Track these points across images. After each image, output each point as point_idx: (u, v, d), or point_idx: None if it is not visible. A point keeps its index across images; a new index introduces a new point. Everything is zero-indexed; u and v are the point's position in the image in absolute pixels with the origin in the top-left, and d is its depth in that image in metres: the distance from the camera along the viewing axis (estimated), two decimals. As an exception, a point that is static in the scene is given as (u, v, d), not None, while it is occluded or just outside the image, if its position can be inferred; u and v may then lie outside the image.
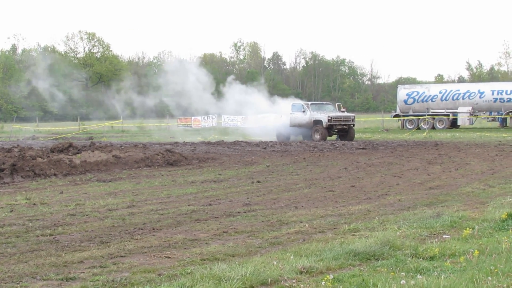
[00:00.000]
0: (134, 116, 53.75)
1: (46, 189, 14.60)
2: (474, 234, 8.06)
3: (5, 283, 6.35)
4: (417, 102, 48.44)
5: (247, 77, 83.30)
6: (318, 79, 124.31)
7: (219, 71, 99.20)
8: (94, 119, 59.12)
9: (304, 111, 35.27)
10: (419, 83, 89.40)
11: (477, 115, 46.98)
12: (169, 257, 7.44)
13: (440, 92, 48.11)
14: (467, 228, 8.21)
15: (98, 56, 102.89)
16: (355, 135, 36.51)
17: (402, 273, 6.17)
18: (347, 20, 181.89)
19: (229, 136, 39.54)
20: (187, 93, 41.46)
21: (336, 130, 34.96)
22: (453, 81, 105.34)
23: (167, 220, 10.10)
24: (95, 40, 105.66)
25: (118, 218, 10.24)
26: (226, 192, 13.61)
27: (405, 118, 48.00)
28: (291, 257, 6.98)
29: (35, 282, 6.42)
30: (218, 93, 43.12)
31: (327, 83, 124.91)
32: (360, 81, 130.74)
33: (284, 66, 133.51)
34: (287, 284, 5.90)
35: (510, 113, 45.16)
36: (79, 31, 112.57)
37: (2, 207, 11.61)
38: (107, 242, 8.34)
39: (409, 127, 47.00)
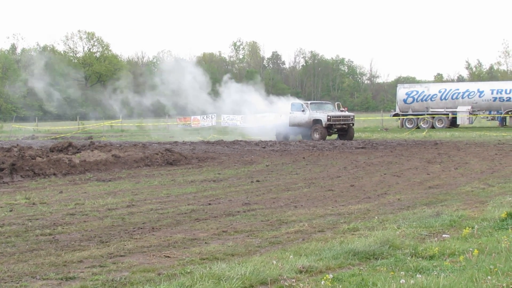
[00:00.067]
0: (131, 116, 53.75)
1: (46, 188, 14.60)
2: (474, 233, 8.06)
3: (5, 283, 6.35)
4: (417, 101, 48.45)
5: (247, 77, 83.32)
6: (318, 78, 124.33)
7: (218, 70, 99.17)
8: (92, 119, 59.13)
9: (303, 111, 35.27)
10: (418, 82, 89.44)
11: (477, 114, 46.98)
12: (168, 257, 7.44)
13: (439, 91, 48.12)
14: (467, 227, 8.21)
15: (98, 56, 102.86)
16: (355, 135, 36.53)
17: (401, 272, 6.17)
18: (347, 20, 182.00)
19: (228, 136, 39.55)
20: (183, 93, 41.46)
21: (335, 130, 34.96)
22: (452, 80, 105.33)
23: (166, 219, 10.10)
24: (95, 39, 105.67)
25: (118, 218, 10.24)
26: (226, 192, 13.61)
27: (405, 117, 47.99)
28: (291, 256, 6.98)
29: (34, 281, 6.42)
30: (215, 93, 43.12)
31: (327, 83, 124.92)
32: (359, 80, 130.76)
33: (284, 66, 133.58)
34: (286, 284, 5.90)
35: (509, 112, 45.17)
36: (79, 31, 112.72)
37: (1, 207, 11.61)
38: (106, 242, 8.34)
39: (408, 126, 47.00)
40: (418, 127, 46.00)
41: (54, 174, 17.36)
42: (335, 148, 27.58)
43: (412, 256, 7.00)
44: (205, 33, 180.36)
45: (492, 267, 6.15)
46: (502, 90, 45.96)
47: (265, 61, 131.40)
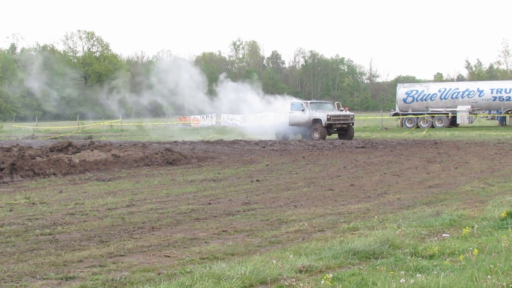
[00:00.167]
0: (129, 115, 53.78)
1: (46, 188, 14.60)
2: (474, 233, 8.06)
3: (5, 282, 6.35)
4: (416, 100, 48.46)
5: (246, 76, 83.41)
6: (317, 78, 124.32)
7: (218, 70, 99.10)
8: (90, 118, 59.12)
9: (303, 110, 35.26)
10: (418, 81, 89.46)
11: (476, 114, 46.99)
12: (168, 256, 7.44)
13: (439, 91, 48.14)
14: (467, 227, 8.21)
15: (97, 56, 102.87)
16: (354, 134, 36.53)
17: (401, 272, 6.17)
18: (346, 19, 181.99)
19: (228, 135, 39.55)
20: (180, 92, 41.46)
21: (335, 129, 34.96)
22: (452, 80, 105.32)
23: (166, 219, 10.10)
24: (94, 39, 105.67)
25: (118, 217, 10.24)
26: (226, 191, 13.60)
27: (404, 116, 48.01)
28: (291, 256, 6.98)
29: (34, 281, 6.42)
30: (212, 92, 43.12)
31: (326, 82, 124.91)
32: (359, 79, 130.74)
33: (283, 65, 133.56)
34: (286, 283, 5.90)
35: (509, 112, 45.18)
36: (78, 30, 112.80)
37: (1, 207, 11.61)
38: (106, 241, 8.34)
39: (408, 125, 47.02)
40: (418, 127, 46.01)
41: (54, 173, 17.36)
42: (335, 147, 27.58)
43: (412, 256, 7.00)
44: (204, 32, 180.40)
45: (492, 266, 6.15)
46: (502, 90, 45.96)
47: (264, 61, 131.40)
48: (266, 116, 38.55)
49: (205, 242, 8.26)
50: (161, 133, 45.19)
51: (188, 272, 6.49)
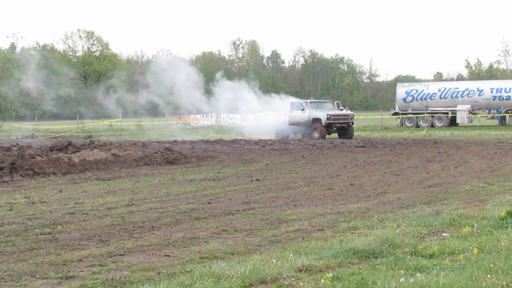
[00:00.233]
0: (127, 115, 53.79)
1: (45, 187, 14.60)
2: (473, 232, 8.06)
3: (5, 282, 6.34)
4: (416, 100, 48.47)
5: (246, 76, 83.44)
6: (317, 77, 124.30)
7: (218, 69, 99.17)
8: (87, 118, 59.10)
9: (303, 109, 35.25)
10: (418, 81, 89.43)
11: (476, 113, 47.00)
12: (168, 256, 7.44)
13: (439, 90, 48.15)
14: (466, 226, 8.21)
15: (97, 55, 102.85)
16: (354, 133, 36.53)
17: (401, 271, 6.17)
18: (346, 18, 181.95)
19: (227, 135, 39.55)
20: (177, 91, 41.47)
21: (335, 128, 34.96)
22: (452, 79, 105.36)
23: (166, 218, 10.10)
24: (94, 38, 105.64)
25: (117, 217, 10.24)
26: (225, 191, 13.60)
27: (404, 116, 48.02)
28: (290, 255, 6.98)
29: (34, 280, 6.42)
30: (209, 91, 43.11)
31: (326, 81, 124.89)
32: (359, 79, 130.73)
33: (283, 64, 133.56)
34: (286, 282, 5.90)
35: (509, 111, 45.19)
36: (78, 30, 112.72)
37: (1, 206, 11.60)
38: (106, 241, 8.34)
39: (408, 125, 47.04)
40: (417, 126, 46.03)
41: (54, 173, 17.35)
42: (334, 147, 27.58)
43: (411, 255, 7.00)
44: (204, 32, 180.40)
45: (491, 265, 6.14)
46: (501, 89, 45.99)
47: (264, 60, 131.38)
48: (266, 115, 38.56)
49: (205, 242, 8.26)
50: (160, 133, 45.20)
51: (188, 271, 6.49)
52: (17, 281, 6.39)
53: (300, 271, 6.42)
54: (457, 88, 47.99)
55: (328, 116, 34.24)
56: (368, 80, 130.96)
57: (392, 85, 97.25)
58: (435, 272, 6.11)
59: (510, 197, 11.20)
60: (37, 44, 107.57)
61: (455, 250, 7.14)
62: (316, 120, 34.66)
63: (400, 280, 5.69)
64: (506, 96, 45.53)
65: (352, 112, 37.30)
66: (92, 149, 21.07)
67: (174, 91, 41.61)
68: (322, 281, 5.83)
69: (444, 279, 5.75)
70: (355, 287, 5.75)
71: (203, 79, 43.98)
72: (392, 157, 21.59)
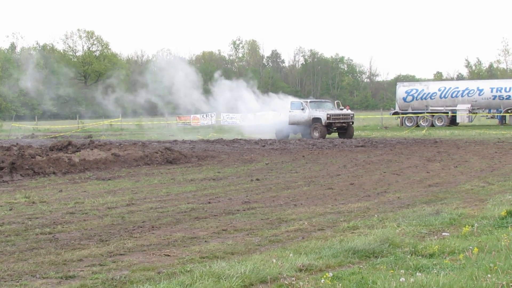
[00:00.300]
0: (125, 114, 53.78)
1: (45, 187, 14.60)
2: (474, 232, 8.06)
3: (5, 282, 6.34)
4: (416, 99, 48.47)
5: (246, 75, 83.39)
6: (317, 77, 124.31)
7: (217, 69, 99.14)
8: (86, 118, 59.09)
9: (303, 109, 35.24)
10: (418, 80, 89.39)
11: (476, 113, 47.00)
12: (168, 255, 7.44)
13: (439, 90, 48.15)
14: (467, 226, 8.21)
15: (97, 55, 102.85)
16: (354, 133, 36.53)
17: (401, 271, 6.17)
18: (346, 18, 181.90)
19: (227, 134, 39.55)
20: (175, 91, 41.48)
21: (335, 128, 34.95)
22: (452, 79, 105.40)
23: (166, 218, 10.10)
24: (94, 38, 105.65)
25: (117, 216, 10.24)
26: (225, 190, 13.60)
27: (404, 115, 48.02)
28: (290, 255, 6.98)
29: (34, 280, 6.42)
30: (208, 91, 43.12)
31: (326, 81, 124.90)
32: (359, 78, 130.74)
33: (283, 64, 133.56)
34: (286, 282, 5.90)
35: (509, 111, 45.18)
36: (78, 30, 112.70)
37: (1, 206, 11.60)
38: (106, 240, 8.34)
39: (408, 124, 47.04)
40: (417, 126, 46.03)
41: (54, 173, 17.35)
42: (334, 146, 27.58)
43: (412, 254, 6.99)
44: (204, 31, 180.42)
45: (492, 265, 6.14)
46: (501, 89, 45.99)
47: (264, 60, 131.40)
48: (266, 115, 38.56)
49: (205, 241, 8.26)
50: (160, 132, 45.20)
51: (188, 271, 6.49)
52: (17, 280, 6.39)
53: (300, 270, 6.42)
54: (457, 87, 47.99)
55: (328, 115, 34.24)
56: (368, 80, 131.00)
57: (392, 85, 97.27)
58: (435, 271, 6.11)
59: (510, 196, 11.20)
60: (37, 44, 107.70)
61: (455, 249, 7.14)
62: (316, 120, 34.66)
63: (400, 280, 5.69)
64: (506, 96, 45.52)
65: (352, 112, 37.31)
66: (92, 149, 21.07)
67: (172, 90, 41.62)
68: (322, 280, 5.83)
69: (444, 278, 5.75)
70: (355, 286, 5.75)
71: (202, 79, 43.96)
72: (392, 156, 21.59)
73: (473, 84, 48.36)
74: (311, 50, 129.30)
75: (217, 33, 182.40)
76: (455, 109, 46.11)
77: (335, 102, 39.07)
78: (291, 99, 38.98)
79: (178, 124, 49.50)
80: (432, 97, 47.87)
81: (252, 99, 40.25)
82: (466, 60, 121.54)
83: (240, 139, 33.95)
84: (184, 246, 7.95)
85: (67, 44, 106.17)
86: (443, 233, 8.28)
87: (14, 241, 8.33)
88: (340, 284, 5.76)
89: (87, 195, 13.03)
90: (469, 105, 45.86)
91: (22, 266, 6.97)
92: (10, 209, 11.14)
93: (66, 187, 14.50)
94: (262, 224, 9.50)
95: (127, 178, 16.50)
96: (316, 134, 34.34)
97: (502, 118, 45.91)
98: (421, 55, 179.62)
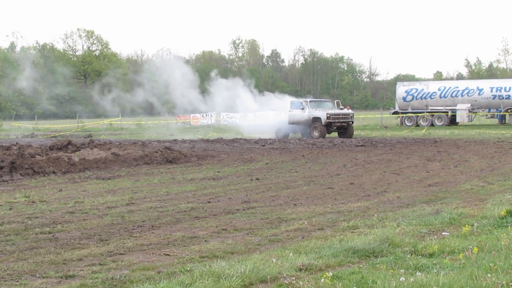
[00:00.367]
0: (123, 114, 53.75)
1: (45, 186, 14.59)
2: (473, 231, 8.06)
3: (5, 281, 6.34)
4: (416, 99, 48.47)
5: (245, 75, 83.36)
6: (317, 76, 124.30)
7: (217, 68, 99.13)
8: (85, 117, 59.07)
9: (302, 109, 35.24)
10: (418, 80, 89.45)
11: (476, 112, 47.00)
12: (168, 255, 7.44)
13: (439, 89, 48.14)
14: (466, 225, 8.21)
15: (97, 54, 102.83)
16: (354, 132, 36.52)
17: (401, 270, 6.17)
18: (346, 17, 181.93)
19: (227, 134, 39.54)
20: (172, 90, 41.47)
21: (335, 128, 34.95)
22: (452, 78, 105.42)
23: (166, 217, 10.09)
24: (94, 37, 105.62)
25: (117, 216, 10.24)
26: (225, 190, 13.60)
27: (404, 115, 48.01)
28: (290, 254, 6.98)
29: (34, 280, 6.41)
30: (205, 90, 43.11)
31: (326, 80, 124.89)
32: (359, 78, 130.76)
33: (283, 64, 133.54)
34: (286, 281, 5.90)
35: (509, 110, 45.18)
36: (78, 29, 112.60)
37: (1, 205, 11.60)
38: (106, 240, 8.34)
39: (408, 124, 47.04)
40: (417, 125, 46.02)
41: (54, 172, 17.34)
42: (334, 146, 27.58)
43: (411, 254, 6.99)
44: (204, 31, 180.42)
45: (491, 265, 6.14)
46: (501, 88, 45.98)
47: (264, 59, 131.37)
48: (266, 114, 38.56)
49: (205, 241, 8.26)
50: (160, 132, 45.19)
51: (188, 270, 6.48)
52: (17, 280, 6.39)
53: (300, 270, 6.42)
54: (457, 87, 47.98)
55: (328, 115, 34.24)
56: (368, 79, 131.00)
57: (392, 84, 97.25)
58: (435, 271, 6.11)
59: (510, 196, 11.20)
60: (36, 43, 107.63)
61: (455, 249, 7.14)
62: (316, 119, 34.65)
63: (400, 279, 5.69)
64: (505, 95, 45.52)
65: (352, 111, 37.31)
66: (92, 148, 21.07)
67: (169, 90, 41.62)
68: (322, 280, 5.83)
69: (444, 278, 5.75)
70: (355, 286, 5.75)
71: (200, 78, 43.94)
72: (392, 156, 21.59)
73: (473, 84, 48.36)
74: (311, 50, 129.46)
75: (217, 33, 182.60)
76: (455, 109, 46.11)
77: (335, 101, 39.06)
78: (287, 98, 38.98)
79: (178, 123, 49.51)
80: (432, 97, 47.86)
81: (249, 97, 40.22)
82: (466, 59, 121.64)
83: (239, 139, 33.94)
84: (184, 246, 7.95)
85: (67, 43, 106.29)
86: (443, 233, 8.28)
87: (14, 241, 8.33)
88: (340, 284, 5.76)
89: (87, 194, 13.03)
90: (469, 105, 45.86)
91: (22, 265, 6.97)
92: (10, 209, 11.13)
93: (66, 187, 14.50)
94: (262, 223, 9.50)
95: (127, 177, 16.49)
96: (316, 133, 34.34)
97: (502, 118, 45.91)
98: (421, 54, 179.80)
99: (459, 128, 42.58)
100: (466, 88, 47.15)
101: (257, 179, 15.50)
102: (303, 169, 17.87)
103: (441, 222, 8.99)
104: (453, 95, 47.18)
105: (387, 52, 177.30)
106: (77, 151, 20.56)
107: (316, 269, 6.48)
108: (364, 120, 53.49)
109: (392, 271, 6.16)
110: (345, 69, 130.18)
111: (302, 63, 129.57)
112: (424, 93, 48.30)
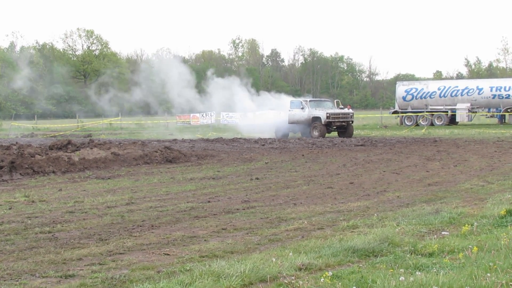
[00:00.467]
0: (122, 113, 53.73)
1: (45, 186, 14.59)
2: (473, 231, 8.06)
3: (4, 281, 6.34)
4: (416, 98, 48.47)
5: (245, 75, 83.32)
6: (317, 75, 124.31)
7: (216, 67, 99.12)
8: (82, 116, 59.07)
9: (302, 108, 35.24)
10: (417, 79, 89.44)
11: (476, 112, 46.99)
12: (168, 254, 7.44)
13: (438, 89, 48.14)
14: (466, 225, 8.21)
15: (97, 54, 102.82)
16: (354, 132, 36.52)
17: (401, 270, 6.17)
18: (346, 17, 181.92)
19: (227, 133, 39.54)
20: (170, 90, 41.47)
21: (334, 127, 34.95)
22: (451, 78, 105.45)
23: (166, 217, 10.09)
24: (94, 37, 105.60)
25: (117, 215, 10.24)
26: (225, 189, 13.60)
27: (404, 114, 48.01)
28: (290, 254, 6.98)
29: (34, 279, 6.41)
30: (203, 90, 43.13)
31: (326, 80, 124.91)
32: (358, 77, 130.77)
33: (283, 63, 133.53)
34: (286, 281, 5.90)
35: (508, 110, 45.18)
36: (78, 29, 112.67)
37: (1, 205, 11.60)
38: (106, 239, 8.34)
39: (407, 123, 47.04)
40: (417, 125, 46.03)
41: (53, 172, 17.34)
42: (334, 145, 27.58)
43: (411, 254, 6.99)
44: (204, 30, 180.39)
45: (491, 264, 6.14)
46: (501, 88, 45.98)
47: (264, 59, 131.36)
48: (265, 114, 38.56)
49: (205, 240, 8.26)
50: (160, 131, 45.18)
51: (188, 270, 6.48)
52: (16, 280, 6.39)
53: (300, 269, 6.41)
54: (457, 86, 47.98)
55: (328, 114, 34.24)
56: (367, 79, 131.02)
57: (391, 84, 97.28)
58: (435, 270, 6.11)
59: (509, 195, 11.20)
60: (36, 43, 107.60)
61: (455, 248, 7.14)
62: (316, 119, 34.65)
63: (400, 279, 5.69)
64: (505, 95, 45.52)
65: (352, 111, 37.30)
66: (91, 148, 21.07)
67: (166, 89, 41.62)
68: (321, 279, 5.83)
69: (444, 277, 5.75)
70: (354, 285, 5.75)
71: (199, 78, 43.94)
72: (392, 155, 21.59)
73: (473, 83, 48.35)
74: (310, 49, 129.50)
75: (217, 32, 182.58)
76: (454, 108, 46.12)
77: (335, 101, 39.05)
78: (283, 97, 38.99)
79: (178, 123, 49.52)
80: (432, 96, 47.86)
81: (246, 96, 40.20)
82: (466, 59, 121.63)
83: (239, 138, 33.94)
84: (184, 245, 7.95)
85: (67, 43, 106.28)
86: (443, 232, 8.28)
87: (14, 240, 8.33)
88: (340, 283, 5.76)
89: (87, 194, 13.03)
90: (468, 104, 45.87)
91: (22, 265, 6.97)
92: (10, 208, 11.13)
93: (65, 186, 14.50)
94: (262, 223, 9.50)
95: (127, 177, 16.49)
96: (315, 133, 34.34)
97: (502, 117, 45.91)
98: (421, 54, 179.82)
99: (459, 127, 42.58)
100: (466, 88, 47.16)
101: (257, 178, 15.50)
102: (303, 169, 17.87)
103: (440, 221, 8.99)
104: (453, 94, 47.18)
105: (387, 51, 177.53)
106: (76, 150, 20.56)
107: (316, 269, 6.47)
108: (363, 120, 53.51)
109: (391, 270, 6.16)
110: (345, 68, 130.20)
111: (302, 63, 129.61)
112: (424, 92, 48.30)
